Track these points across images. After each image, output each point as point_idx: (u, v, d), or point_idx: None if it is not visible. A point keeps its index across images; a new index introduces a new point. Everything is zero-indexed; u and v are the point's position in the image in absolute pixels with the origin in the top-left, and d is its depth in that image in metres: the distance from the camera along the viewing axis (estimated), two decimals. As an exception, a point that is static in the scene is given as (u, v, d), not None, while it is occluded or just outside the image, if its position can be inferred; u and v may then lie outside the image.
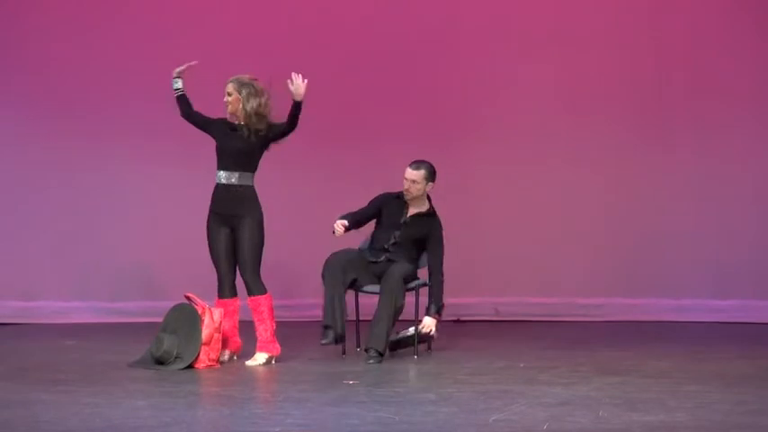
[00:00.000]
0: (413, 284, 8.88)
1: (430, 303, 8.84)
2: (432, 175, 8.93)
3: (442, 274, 8.88)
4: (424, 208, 8.98)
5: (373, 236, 9.04)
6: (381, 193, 9.05)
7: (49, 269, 10.91)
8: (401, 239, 8.89)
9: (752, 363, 8.45)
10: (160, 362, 8.26)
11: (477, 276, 10.74)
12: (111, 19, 10.96)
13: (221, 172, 8.52)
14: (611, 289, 10.84)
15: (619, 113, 10.92)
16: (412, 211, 8.97)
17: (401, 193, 8.97)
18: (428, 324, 8.78)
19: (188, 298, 8.47)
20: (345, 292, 8.72)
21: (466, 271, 10.59)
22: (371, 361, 8.48)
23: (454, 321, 10.71)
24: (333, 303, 8.58)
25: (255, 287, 8.48)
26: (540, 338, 9.74)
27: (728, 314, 10.70)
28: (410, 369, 8.22)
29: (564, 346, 9.27)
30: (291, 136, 8.54)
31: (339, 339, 8.59)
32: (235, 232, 8.49)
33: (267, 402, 7.22)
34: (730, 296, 10.76)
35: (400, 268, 8.74)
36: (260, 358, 8.48)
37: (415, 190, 8.90)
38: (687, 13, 10.88)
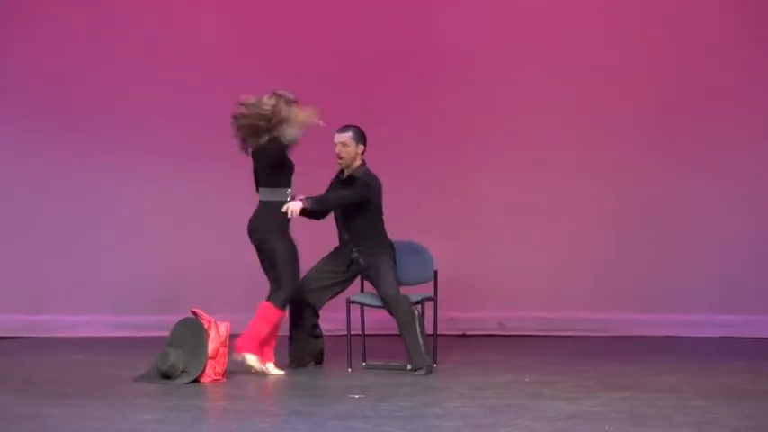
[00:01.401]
0: (418, 298, 8.89)
1: None
2: (361, 138, 8.82)
3: None
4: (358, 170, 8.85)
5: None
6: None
7: (57, 283, 10.94)
8: (342, 213, 8.77)
9: (758, 378, 8.44)
10: (166, 376, 8.27)
11: (481, 291, 10.76)
12: (117, 28, 11.02)
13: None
14: (617, 304, 10.84)
15: (626, 127, 10.92)
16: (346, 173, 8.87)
17: (340, 171, 8.87)
18: None
19: (194, 313, 8.49)
20: (315, 324, 8.91)
21: (471, 286, 10.62)
22: (417, 373, 8.58)
23: (459, 336, 10.73)
24: (294, 342, 8.95)
25: (275, 296, 8.56)
26: (545, 353, 9.75)
27: (735, 329, 10.70)
28: (416, 383, 8.22)
29: (569, 361, 9.27)
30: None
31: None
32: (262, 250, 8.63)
33: (273, 416, 7.22)
34: (736, 311, 10.75)
35: (388, 283, 8.69)
36: (250, 359, 8.52)
37: (347, 153, 8.80)
38: (690, 22, 10.89)
